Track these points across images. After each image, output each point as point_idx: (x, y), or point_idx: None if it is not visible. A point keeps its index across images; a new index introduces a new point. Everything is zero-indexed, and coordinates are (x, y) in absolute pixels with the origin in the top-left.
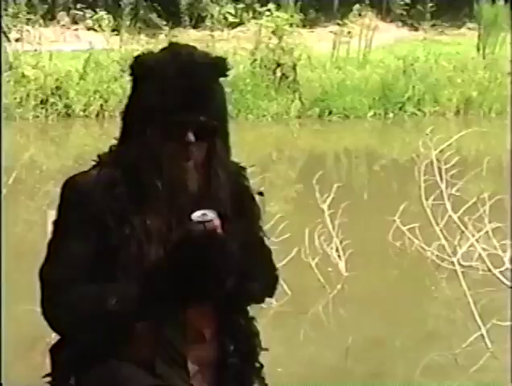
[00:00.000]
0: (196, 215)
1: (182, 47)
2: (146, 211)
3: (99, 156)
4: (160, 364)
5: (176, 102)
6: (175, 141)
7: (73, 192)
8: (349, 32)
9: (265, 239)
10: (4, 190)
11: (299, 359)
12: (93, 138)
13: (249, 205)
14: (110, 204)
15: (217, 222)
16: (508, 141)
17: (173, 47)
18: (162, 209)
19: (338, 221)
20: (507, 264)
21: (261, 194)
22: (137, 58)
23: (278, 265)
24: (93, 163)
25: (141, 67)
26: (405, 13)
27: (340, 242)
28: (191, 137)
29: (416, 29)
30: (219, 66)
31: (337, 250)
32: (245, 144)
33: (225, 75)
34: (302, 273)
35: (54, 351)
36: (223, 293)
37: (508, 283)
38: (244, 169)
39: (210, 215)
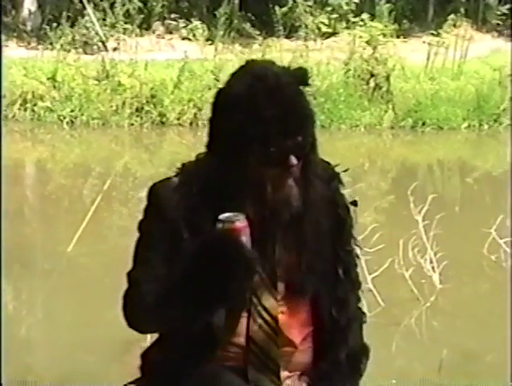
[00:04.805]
0: (223, 215)
1: (262, 67)
2: None
3: (183, 164)
4: (252, 371)
5: (274, 130)
6: (278, 167)
7: (153, 198)
8: (444, 43)
9: (356, 252)
10: (99, 197)
11: (391, 371)
12: (187, 147)
13: (342, 214)
14: (185, 214)
15: (241, 225)
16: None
17: (254, 70)
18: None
19: (432, 233)
20: None
21: (355, 203)
22: (223, 90)
23: (371, 276)
24: (177, 170)
25: (230, 98)
26: (501, 23)
27: (435, 254)
28: (293, 160)
29: None
30: (303, 80)
31: (431, 262)
32: (338, 154)
33: (309, 85)
34: (395, 285)
35: (146, 356)
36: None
37: None
38: (338, 175)
39: (238, 217)
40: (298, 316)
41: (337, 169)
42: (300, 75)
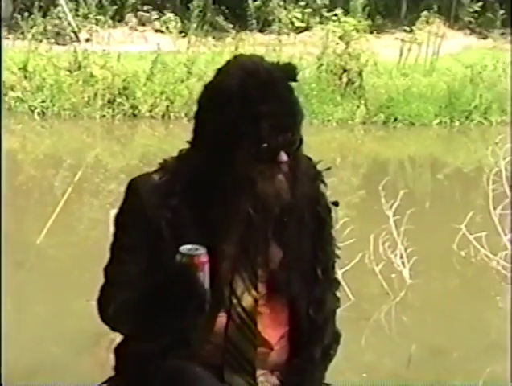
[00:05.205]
0: (184, 248)
1: (253, 62)
2: (212, 229)
3: (165, 160)
4: (228, 371)
5: (267, 126)
6: (268, 163)
7: (132, 194)
8: (416, 39)
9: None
10: (69, 189)
11: (360, 365)
12: (158, 139)
13: (323, 213)
14: (166, 214)
15: (200, 260)
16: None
17: (246, 65)
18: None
19: (403, 228)
20: None
21: (336, 204)
22: (214, 81)
23: (342, 270)
24: (157, 166)
25: (221, 93)
26: (473, 21)
27: (405, 249)
28: (283, 157)
29: (485, 37)
30: (293, 76)
31: (401, 257)
32: (310, 149)
33: (297, 81)
34: (365, 279)
35: (118, 350)
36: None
37: None
38: (321, 173)
39: (198, 251)
40: (276, 316)
41: (319, 166)
42: (290, 71)
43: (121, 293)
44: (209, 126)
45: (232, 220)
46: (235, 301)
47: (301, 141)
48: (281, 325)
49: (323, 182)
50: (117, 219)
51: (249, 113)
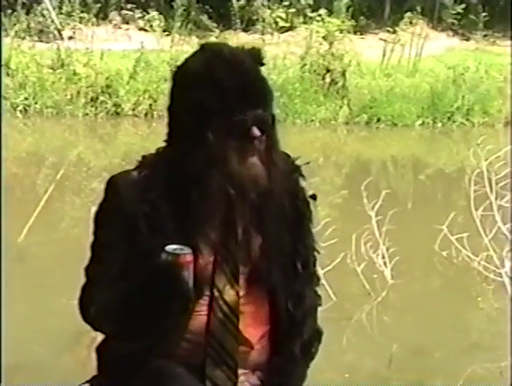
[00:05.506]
0: (170, 247)
1: (218, 46)
2: (192, 216)
3: (143, 156)
4: (210, 366)
5: (235, 101)
6: (241, 139)
7: (111, 191)
8: (400, 40)
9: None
10: (51, 187)
11: (341, 365)
12: (141, 137)
13: (302, 207)
14: (144, 208)
15: (185, 260)
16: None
17: (211, 48)
18: (221, 211)
19: (385, 228)
20: None
21: (314, 197)
22: (181, 67)
23: (324, 270)
24: (136, 163)
25: (187, 75)
26: (456, 22)
27: (387, 249)
28: (256, 131)
29: (467, 38)
30: (259, 57)
31: (383, 257)
32: (292, 148)
33: (264, 64)
34: (347, 279)
35: (100, 349)
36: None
37: None
38: (299, 168)
39: (183, 251)
40: (257, 315)
41: (298, 162)
42: (255, 54)
43: (103, 293)
44: (179, 110)
45: (210, 201)
46: (217, 294)
47: (273, 119)
48: (262, 324)
49: (301, 175)
50: (97, 217)
51: (215, 90)
